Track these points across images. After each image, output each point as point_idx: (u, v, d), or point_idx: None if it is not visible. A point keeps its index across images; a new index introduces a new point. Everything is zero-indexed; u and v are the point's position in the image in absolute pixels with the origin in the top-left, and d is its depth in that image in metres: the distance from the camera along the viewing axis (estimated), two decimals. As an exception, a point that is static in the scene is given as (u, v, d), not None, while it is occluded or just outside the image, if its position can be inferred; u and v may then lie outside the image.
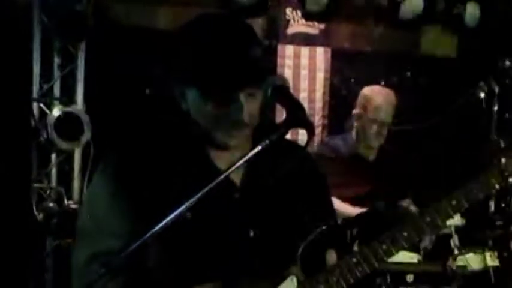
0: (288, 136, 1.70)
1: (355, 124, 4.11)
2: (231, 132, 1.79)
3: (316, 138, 4.99)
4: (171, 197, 1.67)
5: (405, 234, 1.99)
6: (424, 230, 2.02)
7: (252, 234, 1.85)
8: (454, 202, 2.06)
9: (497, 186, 2.14)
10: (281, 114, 1.70)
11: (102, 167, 1.88)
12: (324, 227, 1.95)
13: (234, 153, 1.81)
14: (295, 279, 1.86)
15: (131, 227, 1.72)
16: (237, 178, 1.87)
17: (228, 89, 1.73)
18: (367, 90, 4.10)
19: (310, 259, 1.90)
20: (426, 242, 3.59)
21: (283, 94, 1.72)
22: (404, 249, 2.02)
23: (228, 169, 1.60)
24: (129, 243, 1.53)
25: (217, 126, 1.78)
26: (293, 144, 2.02)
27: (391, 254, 1.97)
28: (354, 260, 1.92)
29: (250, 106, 1.77)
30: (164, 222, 1.53)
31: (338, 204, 3.74)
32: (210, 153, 1.86)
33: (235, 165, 1.60)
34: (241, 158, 1.61)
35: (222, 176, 1.59)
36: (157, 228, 1.53)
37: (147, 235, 1.52)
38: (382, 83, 4.39)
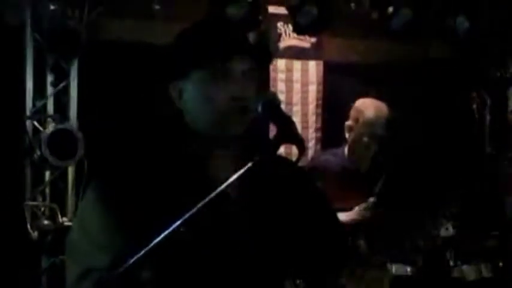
0: (282, 151, 1.71)
1: (347, 136, 4.11)
2: (232, 116, 1.78)
3: (310, 152, 4.99)
4: (164, 210, 1.67)
5: None
6: None
7: (248, 248, 1.84)
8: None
9: None
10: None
11: (94, 181, 1.88)
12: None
13: (227, 162, 1.81)
14: None
15: (123, 242, 1.71)
16: (231, 191, 1.85)
17: (221, 58, 1.78)
18: (358, 103, 4.11)
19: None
20: None
21: (274, 110, 1.73)
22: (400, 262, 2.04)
23: (221, 185, 1.61)
24: (121, 259, 1.53)
25: (217, 112, 1.78)
26: (285, 160, 2.01)
27: None
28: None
29: (246, 84, 1.79)
30: (160, 237, 1.53)
31: None
32: (206, 165, 1.84)
33: (229, 181, 1.62)
34: (234, 172, 1.63)
35: (217, 191, 1.60)
36: (152, 244, 1.52)
37: (142, 252, 1.52)
38: (374, 95, 4.39)
